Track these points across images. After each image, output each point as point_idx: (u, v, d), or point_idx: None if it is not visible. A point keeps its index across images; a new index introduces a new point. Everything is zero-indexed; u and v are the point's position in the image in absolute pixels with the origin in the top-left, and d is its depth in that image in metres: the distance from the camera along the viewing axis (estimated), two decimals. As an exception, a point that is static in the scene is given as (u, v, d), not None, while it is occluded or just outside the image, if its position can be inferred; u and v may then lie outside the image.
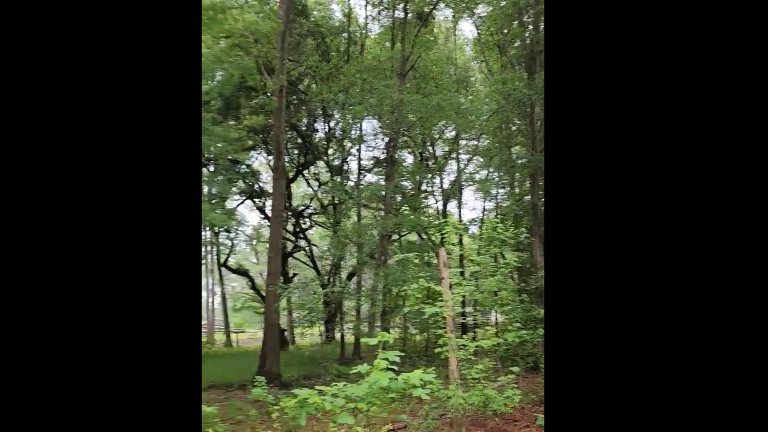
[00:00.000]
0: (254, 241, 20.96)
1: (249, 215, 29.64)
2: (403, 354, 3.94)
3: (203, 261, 21.33)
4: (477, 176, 18.34)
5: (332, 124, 17.43)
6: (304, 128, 17.58)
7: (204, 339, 24.03)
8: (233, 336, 24.55)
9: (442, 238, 6.53)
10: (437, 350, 5.98)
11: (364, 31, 16.84)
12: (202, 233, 15.89)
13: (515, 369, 6.52)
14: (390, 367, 3.67)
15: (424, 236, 15.29)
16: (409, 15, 14.71)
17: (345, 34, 16.43)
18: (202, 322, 32.26)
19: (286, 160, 15.38)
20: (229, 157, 12.60)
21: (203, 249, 15.35)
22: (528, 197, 14.56)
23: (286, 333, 18.22)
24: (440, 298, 5.52)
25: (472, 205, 44.06)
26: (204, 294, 35.00)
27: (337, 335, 17.34)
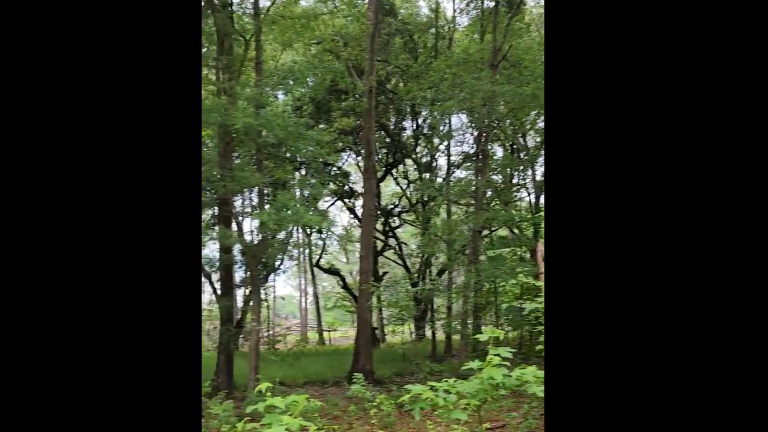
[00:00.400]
0: (344, 241, 21.64)
1: (338, 216, 30.59)
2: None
3: (297, 261, 22.34)
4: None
5: (420, 121, 17.66)
6: (392, 127, 17.96)
7: (298, 337, 25.16)
8: (325, 334, 25.49)
9: (536, 231, 6.51)
10: (538, 347, 5.97)
11: (451, 25, 16.89)
12: (296, 235, 16.71)
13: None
14: (502, 363, 3.72)
15: (516, 231, 15.06)
16: (500, 3, 14.57)
17: (432, 30, 16.58)
18: (296, 321, 33.76)
19: (375, 159, 15.79)
20: (320, 159, 13.18)
21: (297, 250, 16.14)
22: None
23: (377, 331, 18.69)
24: (538, 294, 5.53)
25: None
26: (296, 294, 36.60)
27: (428, 333, 17.51)
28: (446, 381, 4.00)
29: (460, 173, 17.97)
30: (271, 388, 3.51)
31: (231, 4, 11.24)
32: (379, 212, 18.50)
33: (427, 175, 17.43)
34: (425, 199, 17.04)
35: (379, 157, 18.07)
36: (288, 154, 12.38)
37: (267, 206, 9.69)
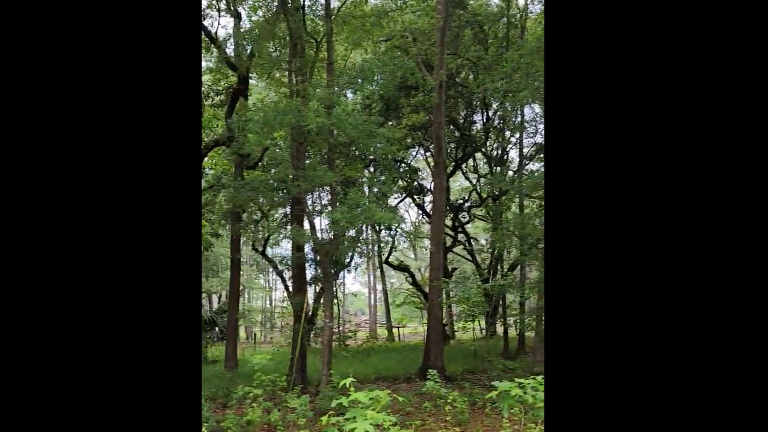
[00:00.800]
0: (413, 237, 21.85)
1: (407, 212, 30.83)
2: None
3: (367, 258, 22.77)
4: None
5: (491, 113, 17.52)
6: (461, 121, 17.92)
7: (367, 334, 25.66)
8: (394, 331, 25.83)
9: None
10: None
11: (523, 13, 16.61)
12: (366, 233, 17.06)
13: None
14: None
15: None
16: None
17: (504, 19, 16.38)
18: (365, 318, 34.36)
19: (445, 154, 15.83)
20: (390, 156, 13.41)
21: (366, 247, 16.49)
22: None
23: (446, 327, 18.76)
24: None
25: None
26: (365, 291, 37.20)
27: (499, 329, 17.35)
28: (533, 378, 4.07)
29: (532, 166, 17.69)
30: (349, 384, 3.73)
31: (303, 7, 11.67)
32: (448, 208, 18.53)
33: (498, 169, 17.26)
34: (496, 193, 16.91)
35: (448, 151, 18.08)
36: (358, 152, 12.72)
37: (338, 204, 10.02)
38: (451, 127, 17.50)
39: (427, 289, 16.27)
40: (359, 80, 10.30)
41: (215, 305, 28.76)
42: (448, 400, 7.96)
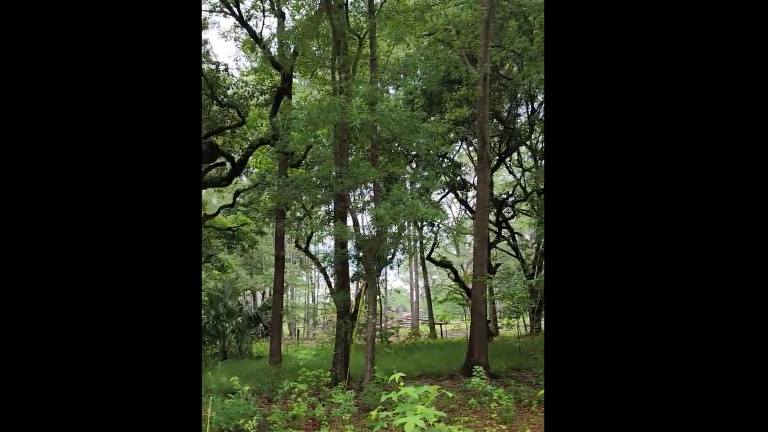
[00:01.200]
0: (456, 233, 21.76)
1: (449, 208, 30.72)
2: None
3: (409, 255, 22.83)
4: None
5: (536, 105, 17.26)
6: (505, 114, 17.73)
7: (409, 330, 25.74)
8: (436, 327, 25.83)
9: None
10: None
11: (568, 3, 16.27)
12: (408, 229, 17.12)
13: None
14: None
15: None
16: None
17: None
18: (406, 315, 34.45)
19: (489, 148, 15.70)
20: (432, 151, 13.40)
21: (408, 243, 16.55)
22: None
23: (490, 324, 18.65)
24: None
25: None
26: (406, 287, 37.29)
27: (544, 326, 17.08)
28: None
29: (579, 159, 17.34)
30: (399, 379, 3.80)
31: (346, 4, 11.79)
32: (491, 202, 18.39)
33: (543, 162, 17.02)
34: (541, 187, 16.67)
35: (492, 145, 17.93)
36: (401, 148, 12.75)
37: (381, 200, 10.10)
38: (495, 120, 17.33)
39: (469, 286, 16.19)
40: (402, 75, 10.33)
41: (259, 302, 29.42)
42: (494, 398, 7.92)
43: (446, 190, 19.69)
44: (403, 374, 4.01)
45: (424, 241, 20.70)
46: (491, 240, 19.50)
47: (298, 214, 14.54)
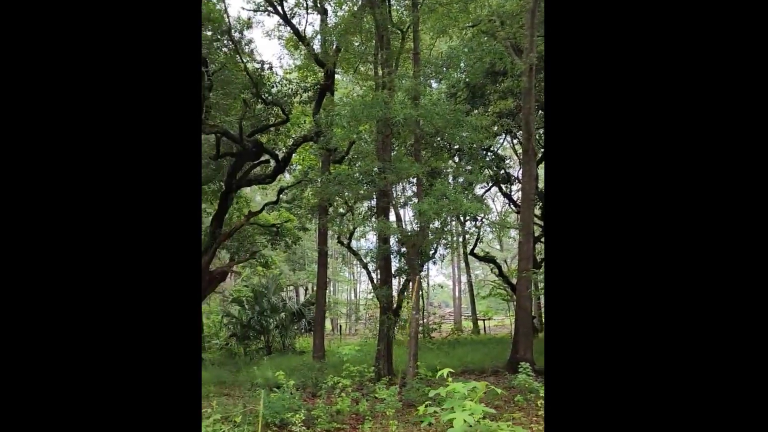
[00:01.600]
0: (500, 228, 21.54)
1: (492, 202, 30.41)
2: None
3: (453, 250, 22.75)
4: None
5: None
6: (550, 106, 17.38)
7: (452, 326, 25.65)
8: (480, 323, 25.64)
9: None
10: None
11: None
12: (451, 224, 17.05)
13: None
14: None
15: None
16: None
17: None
18: (449, 310, 34.34)
19: (534, 140, 15.44)
20: (476, 144, 13.28)
21: (451, 238, 16.50)
22: None
23: (535, 320, 18.38)
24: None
25: None
26: (449, 282, 37.17)
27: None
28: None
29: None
30: (447, 374, 3.80)
31: (389, -1, 11.81)
32: (537, 196, 18.09)
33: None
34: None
35: (537, 137, 17.61)
36: (444, 142, 12.68)
37: (425, 195, 10.08)
38: (541, 112, 17.04)
39: (514, 281, 16.00)
40: (445, 68, 10.27)
41: (302, 298, 29.87)
42: (540, 395, 7.82)
43: (490, 184, 19.46)
44: (451, 370, 4.01)
45: (467, 236, 20.57)
46: (536, 234, 19.19)
47: (341, 210, 14.67)
